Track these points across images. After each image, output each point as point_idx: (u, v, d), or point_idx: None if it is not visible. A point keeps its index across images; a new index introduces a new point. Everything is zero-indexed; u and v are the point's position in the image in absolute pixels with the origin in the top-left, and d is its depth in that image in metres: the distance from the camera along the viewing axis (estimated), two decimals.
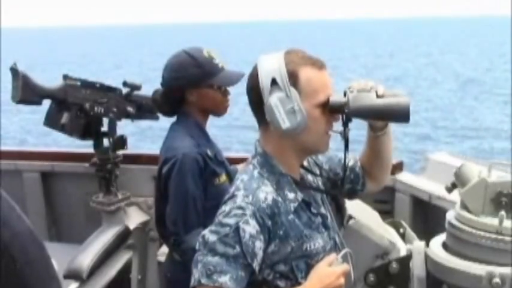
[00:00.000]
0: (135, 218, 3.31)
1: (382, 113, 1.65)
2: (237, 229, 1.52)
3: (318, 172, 1.84)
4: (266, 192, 1.60)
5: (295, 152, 1.68)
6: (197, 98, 2.35)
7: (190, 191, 2.24)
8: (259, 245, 1.54)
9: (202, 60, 2.34)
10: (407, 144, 14.64)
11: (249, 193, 1.59)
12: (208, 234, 1.55)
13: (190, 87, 2.34)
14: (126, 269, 3.05)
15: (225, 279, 1.49)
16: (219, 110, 2.41)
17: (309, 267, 1.61)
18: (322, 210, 1.75)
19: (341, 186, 1.86)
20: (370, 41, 70.85)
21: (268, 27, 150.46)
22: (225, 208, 1.58)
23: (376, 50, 52.87)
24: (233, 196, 1.60)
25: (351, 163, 1.89)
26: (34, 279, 1.15)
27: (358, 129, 1.84)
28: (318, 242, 1.66)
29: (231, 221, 1.54)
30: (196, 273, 1.52)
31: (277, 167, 1.66)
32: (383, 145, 1.83)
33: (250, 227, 1.53)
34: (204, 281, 1.50)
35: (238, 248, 1.51)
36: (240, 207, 1.56)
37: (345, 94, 1.64)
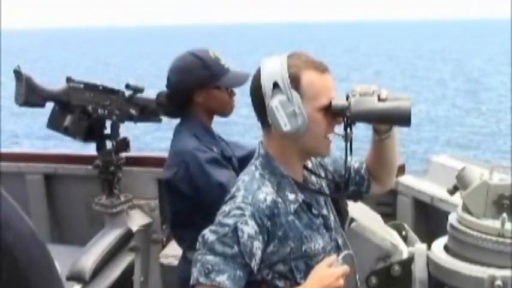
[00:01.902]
0: (137, 220, 3.32)
1: (383, 117, 1.66)
2: (235, 229, 1.54)
3: (322, 174, 1.85)
4: (266, 193, 1.61)
5: (297, 154, 1.69)
6: (204, 99, 2.34)
7: (215, 177, 2.18)
8: (257, 245, 1.55)
9: (209, 62, 2.33)
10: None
11: (249, 194, 1.60)
12: (208, 233, 1.56)
13: (197, 88, 2.32)
14: (128, 271, 3.06)
15: (222, 278, 1.50)
16: (226, 110, 2.40)
17: (308, 268, 1.62)
18: (324, 211, 1.76)
19: (345, 188, 1.86)
20: (370, 43, 70.87)
21: (273, 29, 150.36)
22: (225, 208, 1.60)
23: (376, 52, 52.89)
24: (233, 197, 1.62)
25: (356, 165, 1.91)
26: (36, 280, 1.15)
27: (367, 130, 1.85)
28: (318, 243, 1.66)
29: (230, 221, 1.55)
30: (195, 272, 1.54)
31: (278, 168, 1.67)
32: (388, 148, 1.84)
33: (249, 228, 1.55)
34: (202, 279, 1.51)
35: (236, 248, 1.53)
36: (239, 208, 1.57)
37: (347, 98, 1.65)
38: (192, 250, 2.33)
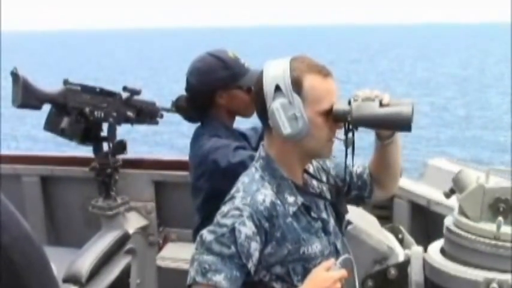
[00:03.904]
0: (134, 222, 3.32)
1: (383, 122, 1.66)
2: (233, 230, 1.55)
3: (324, 178, 1.85)
4: (265, 195, 1.62)
5: (298, 157, 1.70)
6: (227, 101, 2.28)
7: (243, 161, 2.05)
8: (255, 246, 1.56)
9: (230, 62, 2.28)
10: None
11: (248, 195, 1.61)
12: (206, 233, 1.57)
13: (220, 90, 2.27)
14: (125, 273, 3.05)
15: (219, 278, 1.51)
16: (248, 111, 2.29)
17: (306, 271, 1.62)
18: (324, 215, 1.76)
19: (347, 193, 1.88)
20: (371, 46, 70.94)
21: (278, 32, 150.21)
22: (224, 209, 1.61)
23: (376, 55, 53.00)
24: (232, 197, 1.63)
25: (359, 170, 1.91)
26: (33, 283, 1.15)
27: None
28: (315, 246, 1.67)
29: (228, 221, 1.56)
30: (192, 272, 1.54)
31: (278, 170, 1.68)
32: (390, 154, 1.84)
33: (247, 228, 1.55)
34: (198, 279, 1.52)
35: (233, 248, 1.53)
36: (238, 209, 1.58)
37: (349, 103, 1.65)
38: None
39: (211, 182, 2.18)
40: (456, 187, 1.71)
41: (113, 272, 2.95)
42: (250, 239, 1.55)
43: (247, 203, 1.59)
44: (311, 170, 1.82)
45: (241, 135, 2.37)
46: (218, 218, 1.59)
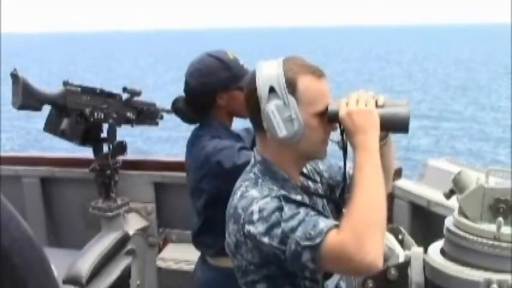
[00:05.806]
0: (134, 223, 3.32)
1: (380, 123, 1.65)
2: (279, 202, 1.49)
3: (318, 179, 1.84)
4: (276, 189, 1.58)
5: (293, 159, 1.67)
6: (227, 102, 2.27)
7: (249, 162, 2.00)
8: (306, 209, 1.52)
9: (230, 63, 2.27)
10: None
11: (261, 188, 1.57)
12: (268, 238, 1.49)
13: (220, 91, 2.26)
14: (125, 275, 3.06)
15: (322, 224, 1.45)
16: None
17: None
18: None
19: (340, 194, 1.86)
20: (368, 47, 70.93)
21: (273, 34, 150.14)
22: (251, 211, 1.52)
23: (374, 57, 52.98)
24: (250, 199, 1.56)
25: (352, 171, 1.90)
26: (33, 283, 1.15)
27: None
28: None
29: (271, 205, 1.50)
30: (306, 251, 1.44)
31: (279, 172, 1.65)
32: (384, 155, 1.82)
33: (288, 200, 1.52)
34: (309, 243, 1.43)
35: (300, 209, 1.49)
36: (265, 196, 1.53)
37: None
38: (218, 256, 2.28)
39: (214, 184, 2.17)
40: (456, 188, 1.70)
41: (113, 273, 2.96)
42: (298, 204, 1.53)
43: (267, 193, 1.54)
44: (305, 172, 1.81)
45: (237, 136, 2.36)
46: (258, 220, 1.50)
